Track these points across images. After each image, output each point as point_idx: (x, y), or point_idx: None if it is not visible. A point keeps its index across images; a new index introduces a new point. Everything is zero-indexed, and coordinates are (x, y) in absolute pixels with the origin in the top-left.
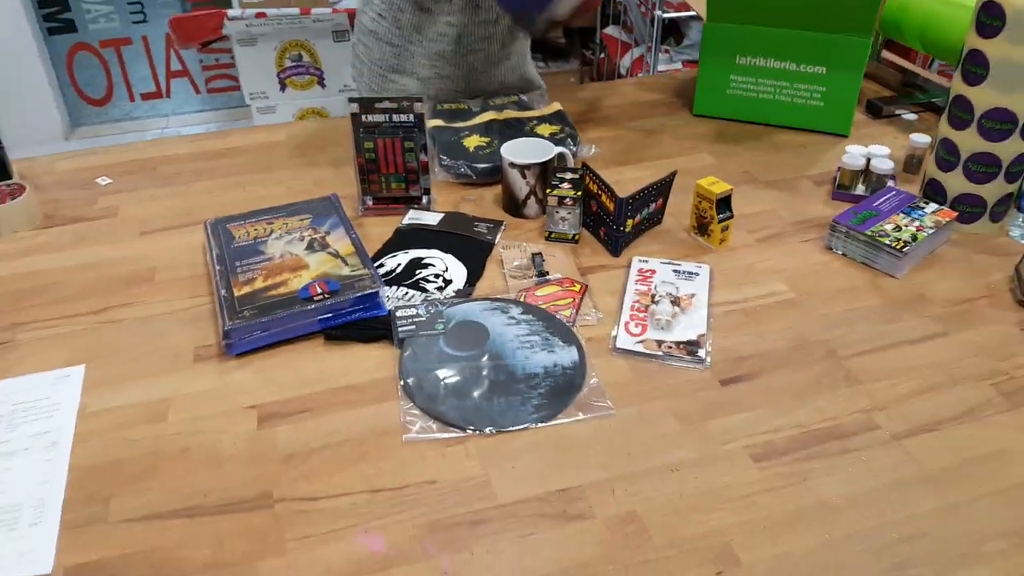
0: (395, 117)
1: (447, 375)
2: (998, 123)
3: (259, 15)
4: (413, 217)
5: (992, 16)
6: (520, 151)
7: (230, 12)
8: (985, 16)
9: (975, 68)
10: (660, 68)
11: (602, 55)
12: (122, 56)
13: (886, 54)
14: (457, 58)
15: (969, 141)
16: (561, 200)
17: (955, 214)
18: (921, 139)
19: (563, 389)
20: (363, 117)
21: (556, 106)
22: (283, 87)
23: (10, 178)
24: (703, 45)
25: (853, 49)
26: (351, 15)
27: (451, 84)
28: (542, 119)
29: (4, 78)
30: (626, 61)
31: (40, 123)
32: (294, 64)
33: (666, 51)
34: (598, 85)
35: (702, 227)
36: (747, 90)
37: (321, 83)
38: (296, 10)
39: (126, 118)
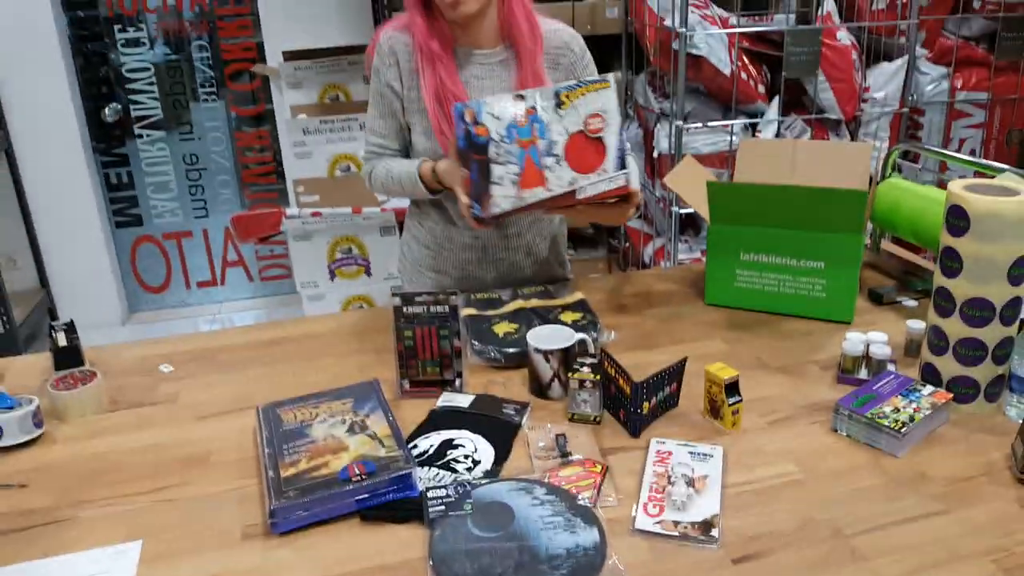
0: (432, 308)
1: (474, 557)
2: (978, 311)
3: (315, 214)
4: (446, 399)
5: (958, 217)
6: (545, 338)
7: (288, 211)
8: (952, 217)
9: (950, 263)
10: (681, 257)
11: (627, 244)
12: (182, 247)
13: (888, 245)
14: (485, 264)
15: (955, 328)
16: (582, 383)
17: (950, 396)
18: (917, 325)
19: (584, 570)
20: (404, 309)
21: (579, 295)
22: (332, 276)
23: (82, 364)
24: (709, 244)
25: (848, 246)
26: (397, 213)
27: (482, 279)
28: (566, 307)
29: (72, 269)
30: (649, 250)
31: (100, 309)
32: (344, 256)
33: (685, 241)
34: (619, 275)
35: (715, 410)
36: (753, 283)
37: (368, 272)
38: (348, 209)
39: (181, 304)
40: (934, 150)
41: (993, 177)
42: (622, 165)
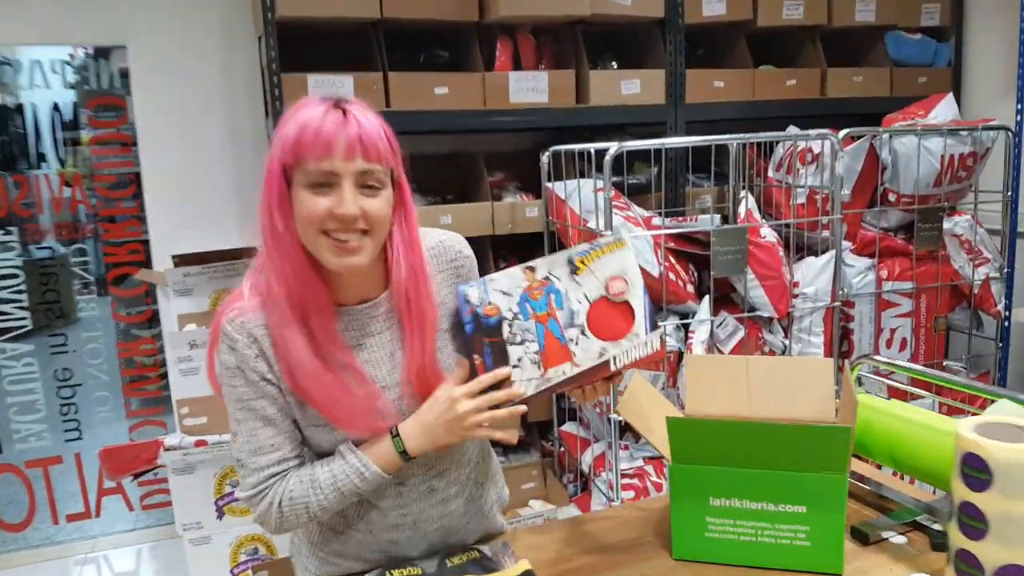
0: None
1: None
2: None
3: (199, 443)
4: None
5: (976, 468)
6: None
7: (167, 440)
8: (968, 468)
9: (973, 522)
10: (623, 466)
11: (562, 448)
12: (49, 476)
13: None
14: (414, 540)
15: None
16: None
17: None
18: None
19: None
20: None
21: (524, 565)
22: (221, 514)
23: None
24: (672, 487)
25: (829, 486)
26: None
27: (407, 557)
28: None
29: None
30: (587, 458)
31: None
32: (235, 489)
33: (625, 447)
34: (566, 523)
35: None
36: (726, 532)
37: None
38: None
39: (47, 543)
40: (902, 365)
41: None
42: (652, 326)
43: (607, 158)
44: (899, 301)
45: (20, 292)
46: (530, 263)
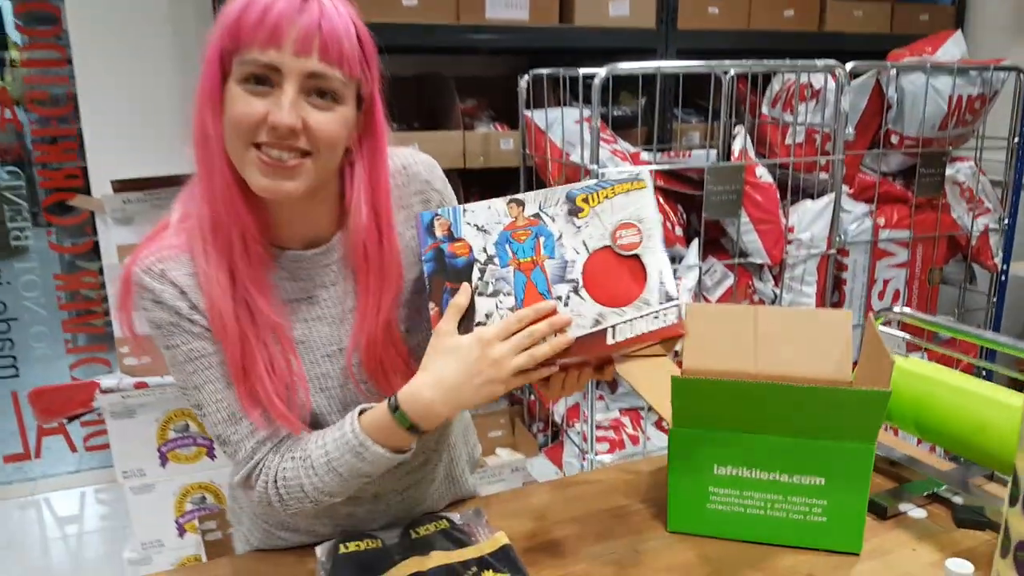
0: None
1: None
2: None
3: (139, 385)
4: None
5: None
6: None
7: (104, 382)
8: None
9: None
10: (599, 417)
11: (532, 397)
12: None
13: None
14: (375, 513)
15: None
16: None
17: None
18: (962, 568)
19: None
20: None
21: (502, 539)
22: (164, 461)
23: None
24: (671, 454)
25: (854, 457)
26: None
27: (362, 527)
28: (483, 563)
29: None
30: (559, 408)
31: None
32: (179, 435)
33: (601, 398)
34: (545, 488)
35: None
36: (731, 504)
37: (211, 455)
38: None
39: None
40: (940, 323)
41: None
42: (668, 295)
43: (596, 82)
44: (895, 251)
45: None
46: (518, 196)
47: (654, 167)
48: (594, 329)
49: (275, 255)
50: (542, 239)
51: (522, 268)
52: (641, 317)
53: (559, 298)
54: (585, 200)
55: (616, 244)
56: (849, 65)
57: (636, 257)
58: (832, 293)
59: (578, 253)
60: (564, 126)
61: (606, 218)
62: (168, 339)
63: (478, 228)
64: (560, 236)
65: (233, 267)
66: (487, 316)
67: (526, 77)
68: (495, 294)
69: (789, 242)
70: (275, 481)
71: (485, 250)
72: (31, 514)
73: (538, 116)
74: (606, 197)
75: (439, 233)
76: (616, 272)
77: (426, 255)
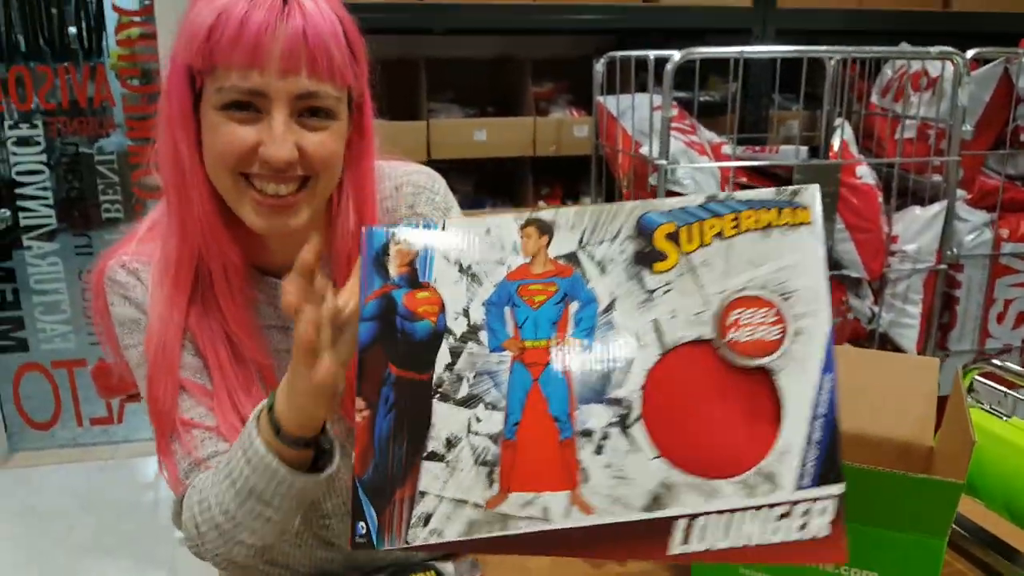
0: None
1: None
2: None
3: None
4: None
5: None
6: None
7: None
8: None
9: None
10: None
11: None
12: (74, 377)
13: None
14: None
15: None
16: None
17: None
18: None
19: None
20: None
21: None
22: None
23: None
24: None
25: (920, 552)
26: None
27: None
28: None
29: None
30: None
31: None
32: None
33: None
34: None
35: None
36: None
37: None
38: None
39: (72, 444)
40: None
41: None
42: (825, 467)
43: (668, 67)
44: (1020, 267)
45: (44, 189)
46: (544, 214)
47: (733, 164)
48: (646, 516)
49: (255, 279)
50: (574, 306)
51: (527, 360)
52: (755, 510)
53: (588, 434)
54: (674, 237)
55: (726, 339)
56: (970, 52)
57: (765, 373)
58: (941, 314)
59: (642, 345)
60: (636, 112)
61: (712, 278)
62: (128, 337)
63: (462, 269)
64: (611, 304)
65: (209, 303)
66: (448, 445)
67: (602, 60)
68: (470, 402)
69: (892, 253)
70: (193, 496)
71: (467, 312)
72: (111, 477)
73: (611, 102)
74: (720, 233)
75: (393, 269)
76: (717, 400)
77: (366, 307)
